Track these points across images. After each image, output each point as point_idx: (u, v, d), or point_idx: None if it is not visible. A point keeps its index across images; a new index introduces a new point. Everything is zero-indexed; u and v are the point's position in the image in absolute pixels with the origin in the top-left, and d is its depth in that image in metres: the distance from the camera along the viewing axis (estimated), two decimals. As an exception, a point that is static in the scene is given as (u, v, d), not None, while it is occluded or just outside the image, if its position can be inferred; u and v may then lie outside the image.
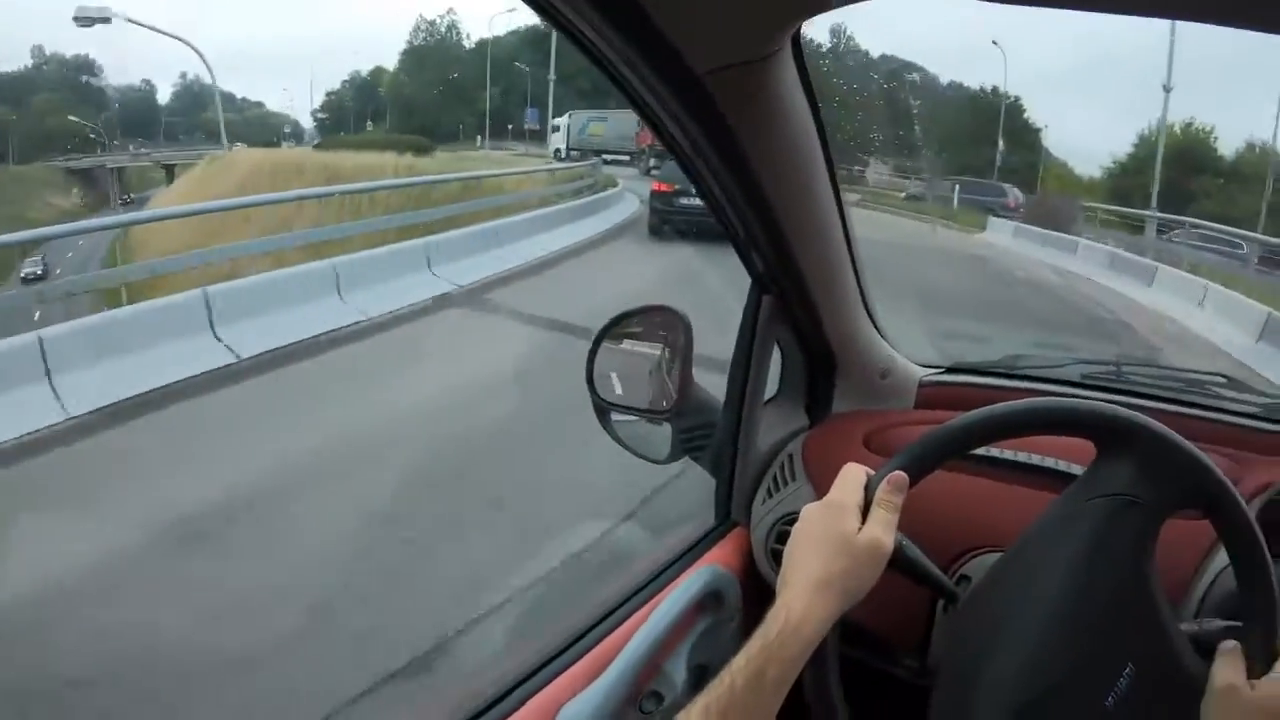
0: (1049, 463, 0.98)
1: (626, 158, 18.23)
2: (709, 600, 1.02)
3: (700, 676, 1.02)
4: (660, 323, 1.10)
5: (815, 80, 0.77)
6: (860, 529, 0.68)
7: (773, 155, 0.79)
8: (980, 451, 0.99)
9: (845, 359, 1.08)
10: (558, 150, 23.79)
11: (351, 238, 8.34)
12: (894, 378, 1.11)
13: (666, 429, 1.09)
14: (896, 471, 0.71)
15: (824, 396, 1.10)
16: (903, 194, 17.91)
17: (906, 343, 1.15)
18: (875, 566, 0.68)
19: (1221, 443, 1.08)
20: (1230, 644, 0.67)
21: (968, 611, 0.78)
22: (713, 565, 1.02)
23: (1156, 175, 17.11)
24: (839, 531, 0.68)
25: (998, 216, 14.92)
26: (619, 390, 1.12)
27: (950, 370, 1.17)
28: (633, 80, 0.69)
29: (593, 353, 1.11)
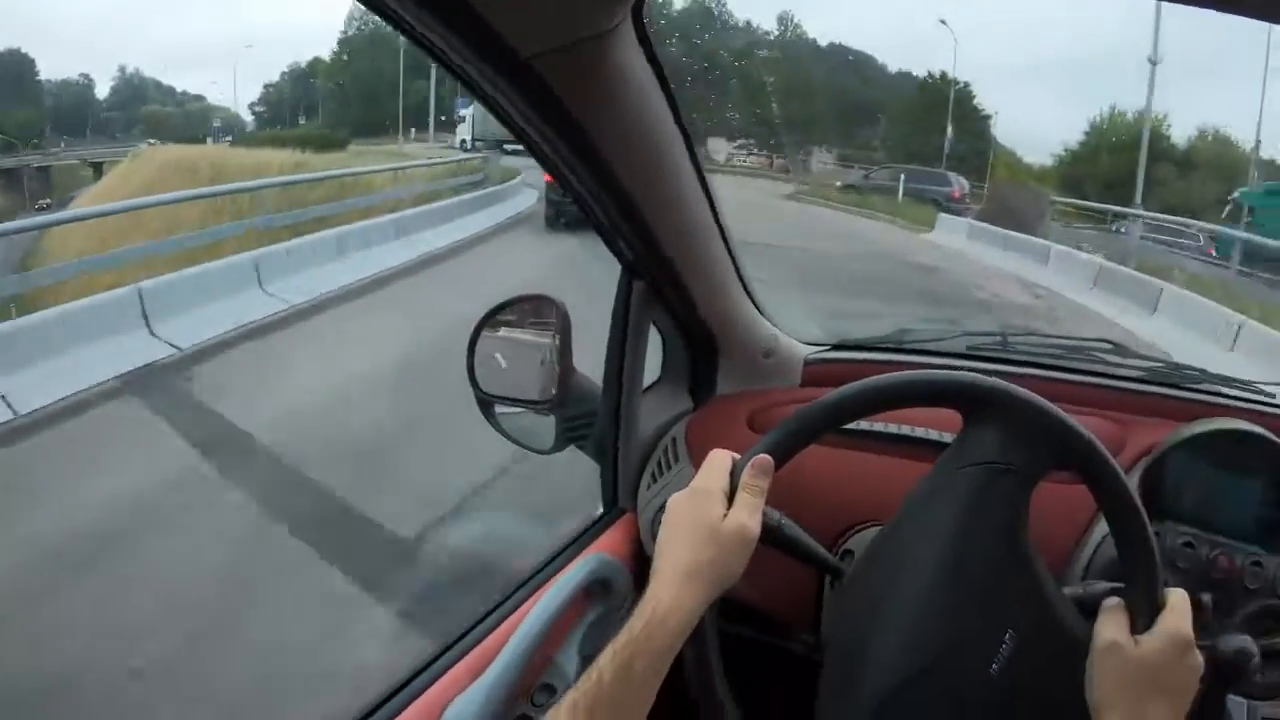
0: (929, 434, 1.01)
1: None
2: (597, 589, 1.02)
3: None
4: (539, 312, 1.09)
5: (664, 54, 0.74)
6: (726, 515, 0.68)
7: (623, 137, 0.77)
8: (862, 426, 1.02)
9: (726, 340, 1.08)
10: (464, 141, 22.85)
11: (193, 249, 7.70)
12: (778, 356, 1.12)
13: (550, 419, 1.08)
14: (760, 455, 0.70)
15: (707, 378, 1.11)
16: (838, 183, 17.68)
17: (792, 321, 1.16)
18: (743, 551, 0.68)
19: (1107, 407, 1.14)
20: (1113, 601, 0.68)
21: (851, 587, 0.79)
22: (600, 553, 1.02)
23: (1141, 163, 15.44)
24: (704, 519, 0.68)
25: (945, 211, 13.75)
26: (501, 382, 1.10)
27: (836, 347, 1.19)
28: (465, 67, 0.65)
29: (472, 345, 1.09)
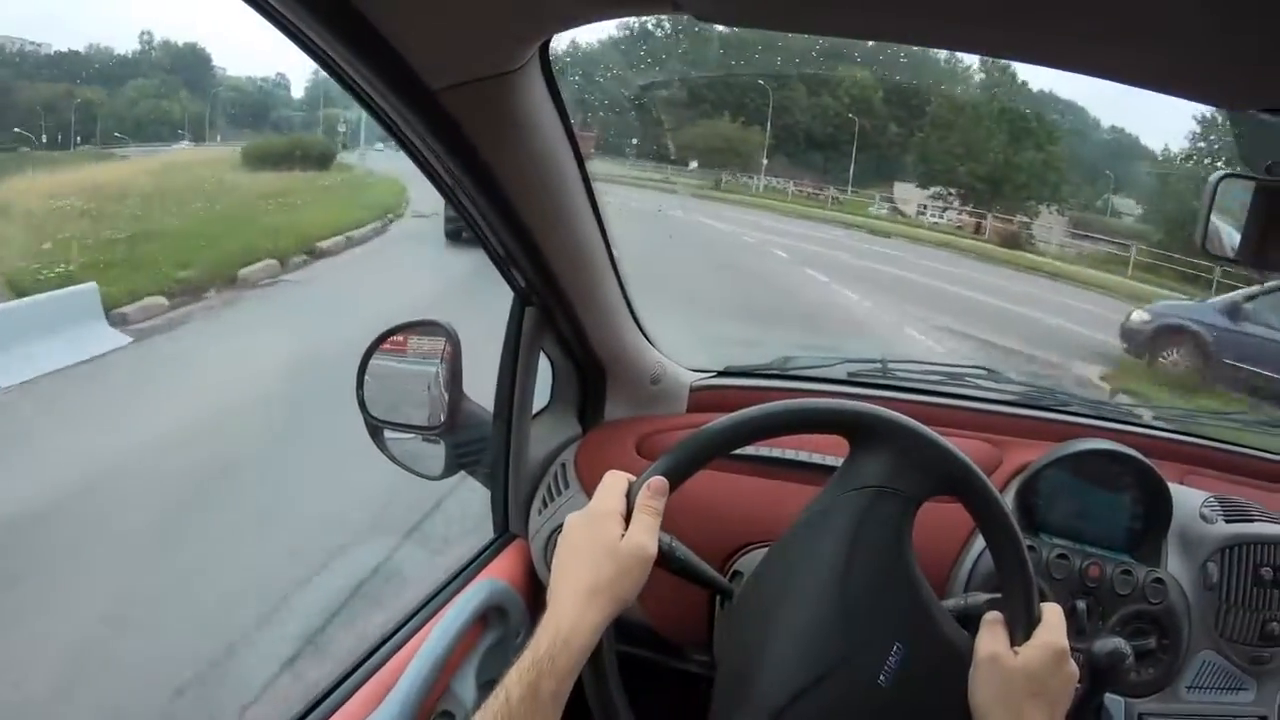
0: (815, 458, 1.05)
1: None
2: (492, 614, 1.01)
3: (490, 693, 1.01)
4: (429, 337, 1.08)
5: (566, 93, 0.77)
6: (623, 535, 0.69)
7: (522, 171, 0.78)
8: (750, 451, 1.05)
9: (615, 367, 1.10)
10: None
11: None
12: (665, 383, 1.14)
13: (440, 445, 1.07)
14: (656, 477, 0.72)
15: (596, 405, 1.12)
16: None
17: (680, 350, 1.19)
18: (641, 570, 0.69)
19: (984, 429, 1.20)
20: (992, 615, 0.71)
21: (740, 606, 0.80)
22: (493, 579, 1.01)
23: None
24: (602, 539, 0.69)
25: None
26: (390, 407, 1.09)
27: (722, 374, 1.23)
28: (374, 97, 0.66)
29: (362, 370, 1.07)
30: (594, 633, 0.66)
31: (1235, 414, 1.37)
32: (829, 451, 1.04)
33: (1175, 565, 1.04)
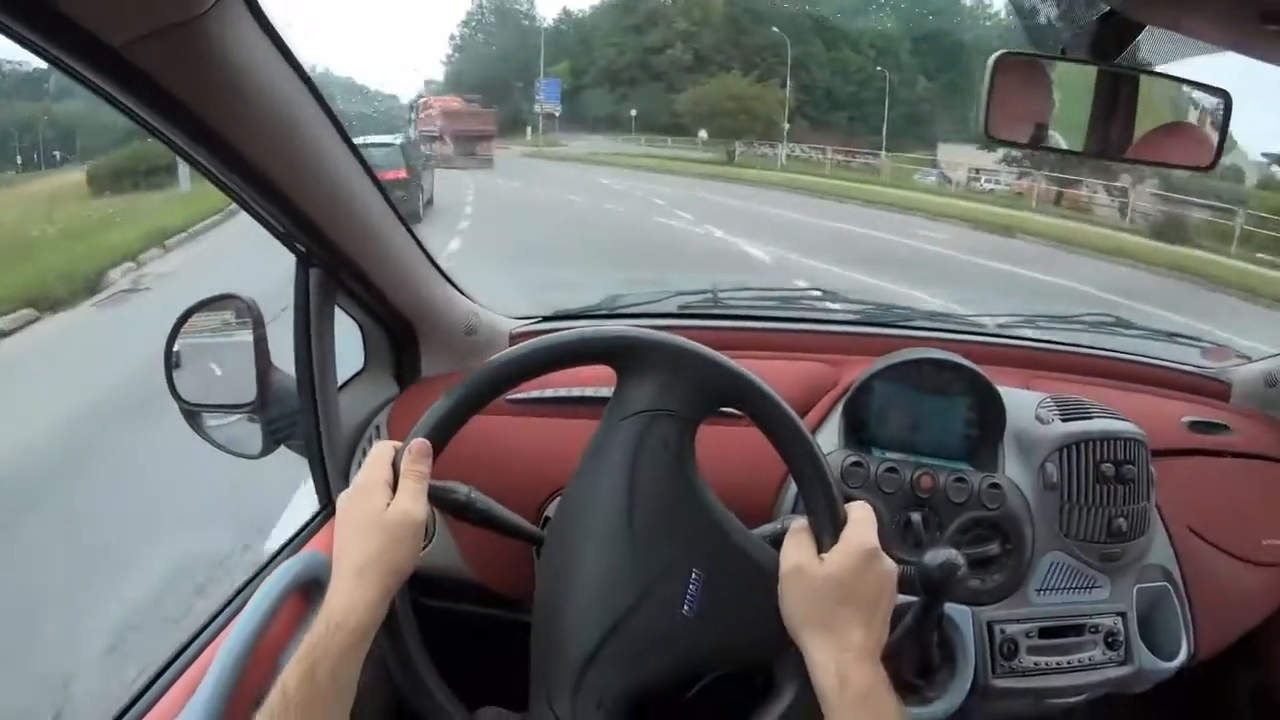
0: (601, 392, 1.02)
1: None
2: (315, 589, 0.98)
3: None
4: (232, 312, 1.04)
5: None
6: (389, 504, 0.66)
7: (250, 122, 0.72)
8: (548, 392, 1.02)
9: (423, 323, 1.06)
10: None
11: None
12: (482, 333, 1.10)
13: (256, 421, 1.04)
14: (416, 440, 0.69)
15: (411, 363, 1.08)
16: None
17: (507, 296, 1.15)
18: (412, 538, 0.66)
19: (821, 350, 1.17)
20: (797, 523, 0.70)
21: (545, 556, 0.77)
22: (311, 552, 0.98)
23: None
24: (367, 512, 0.66)
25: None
26: (202, 389, 1.05)
27: (546, 319, 1.19)
28: (63, 60, 0.59)
29: (168, 353, 1.03)
30: (372, 608, 0.63)
31: (1079, 316, 1.33)
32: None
33: (1014, 469, 1.02)
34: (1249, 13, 0.52)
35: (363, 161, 0.89)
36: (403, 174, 10.61)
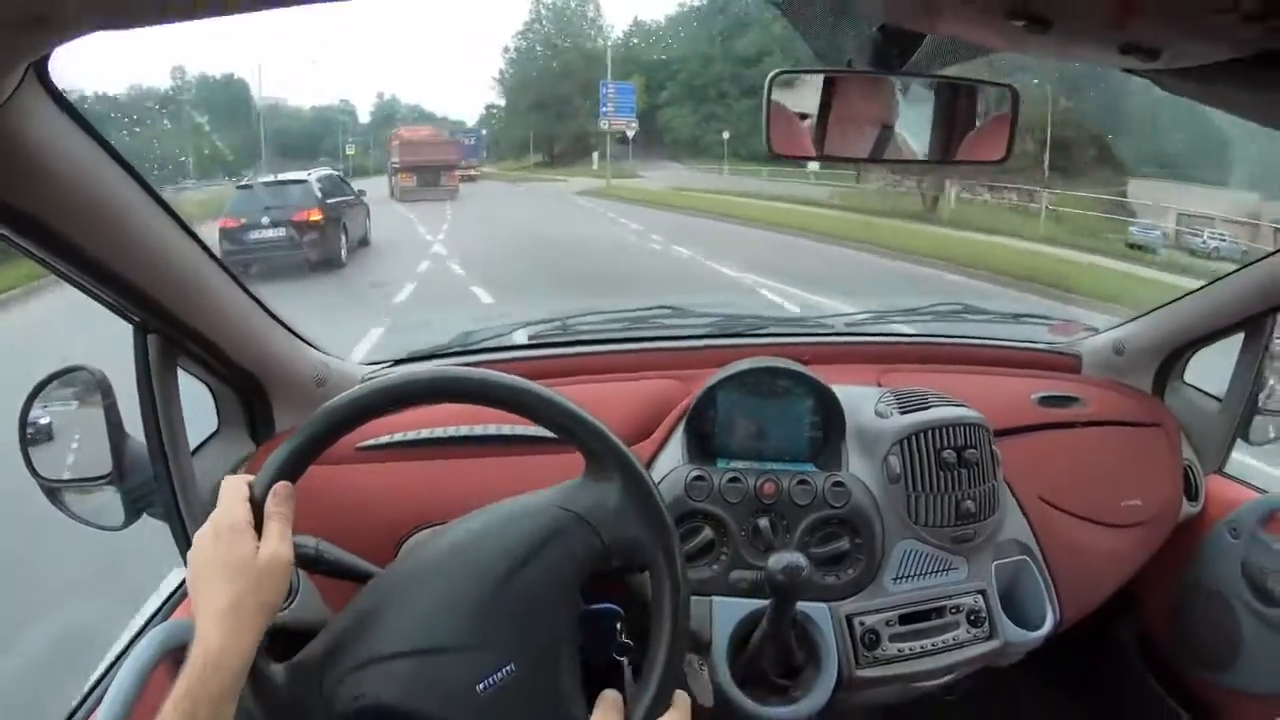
0: (460, 431, 1.05)
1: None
2: (184, 656, 0.97)
3: None
4: (82, 384, 1.04)
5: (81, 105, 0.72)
6: (258, 548, 0.67)
7: (65, 204, 0.72)
8: (394, 437, 1.04)
9: (270, 378, 1.06)
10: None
11: None
12: (333, 382, 1.10)
13: (115, 493, 1.03)
14: (281, 483, 0.70)
15: (264, 418, 1.08)
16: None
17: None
18: (283, 579, 0.67)
19: (673, 367, 1.20)
20: (611, 695, 0.70)
21: (394, 566, 0.79)
22: (179, 620, 0.97)
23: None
24: (237, 555, 0.66)
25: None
26: (61, 463, 1.04)
27: (398, 362, 1.20)
28: None
29: (22, 433, 1.02)
30: (247, 651, 0.64)
31: (926, 307, 1.39)
32: (468, 421, 1.05)
33: (857, 465, 1.05)
34: (993, 11, 0.56)
35: (182, 224, 0.89)
36: (314, 214, 9.52)
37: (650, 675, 0.71)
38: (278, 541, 0.68)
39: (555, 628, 0.71)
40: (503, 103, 41.59)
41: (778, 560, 0.85)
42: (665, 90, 35.39)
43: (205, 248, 0.92)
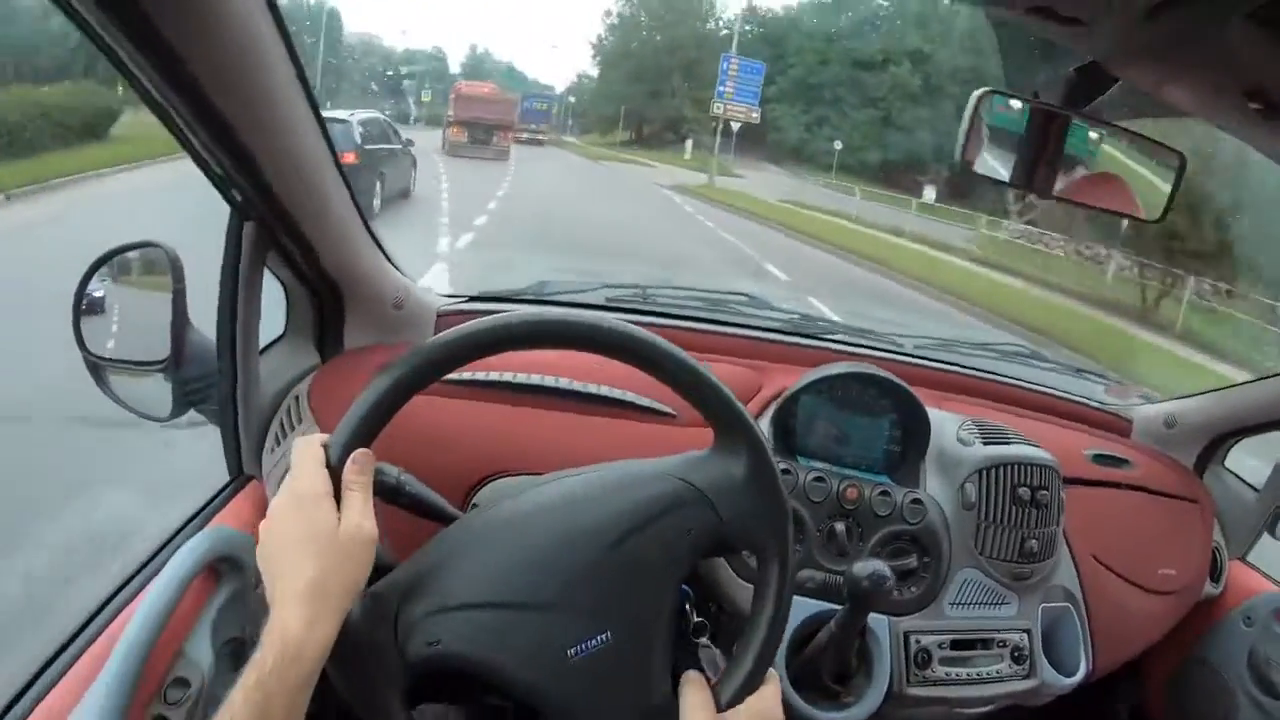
0: (546, 381, 1.01)
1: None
2: (224, 566, 0.92)
3: (236, 653, 0.91)
4: (149, 262, 0.98)
5: None
6: (339, 519, 0.61)
7: (222, 63, 0.68)
8: (477, 375, 1.00)
9: (352, 291, 1.02)
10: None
11: None
12: (409, 308, 1.07)
13: (167, 382, 0.97)
14: (360, 451, 0.63)
15: (335, 332, 1.04)
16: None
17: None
18: (367, 555, 0.61)
19: (745, 355, 1.18)
20: (694, 674, 0.67)
21: (461, 522, 0.72)
22: (222, 526, 0.92)
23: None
24: (317, 529, 0.60)
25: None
26: (112, 342, 0.98)
27: (473, 299, 1.16)
28: None
29: (78, 301, 0.96)
30: (329, 636, 0.58)
31: (994, 345, 1.40)
32: (560, 373, 1.01)
33: (934, 486, 1.05)
34: (1233, 87, 0.55)
35: (319, 116, 0.84)
36: (348, 157, 8.33)
37: (744, 655, 0.68)
38: (359, 514, 0.61)
39: (659, 602, 0.67)
40: (595, 73, 39.15)
41: (864, 567, 0.83)
42: (775, 84, 29.42)
43: (331, 145, 0.88)
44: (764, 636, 0.68)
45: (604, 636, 0.64)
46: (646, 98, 32.95)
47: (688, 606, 0.74)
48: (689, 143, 28.61)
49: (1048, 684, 1.07)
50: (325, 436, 0.65)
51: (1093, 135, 0.87)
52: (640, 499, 0.68)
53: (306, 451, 0.64)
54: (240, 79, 0.72)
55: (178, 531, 0.95)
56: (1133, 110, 0.85)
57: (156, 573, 0.87)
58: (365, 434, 0.64)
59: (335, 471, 0.62)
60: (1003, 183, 0.88)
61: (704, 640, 0.74)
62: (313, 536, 0.60)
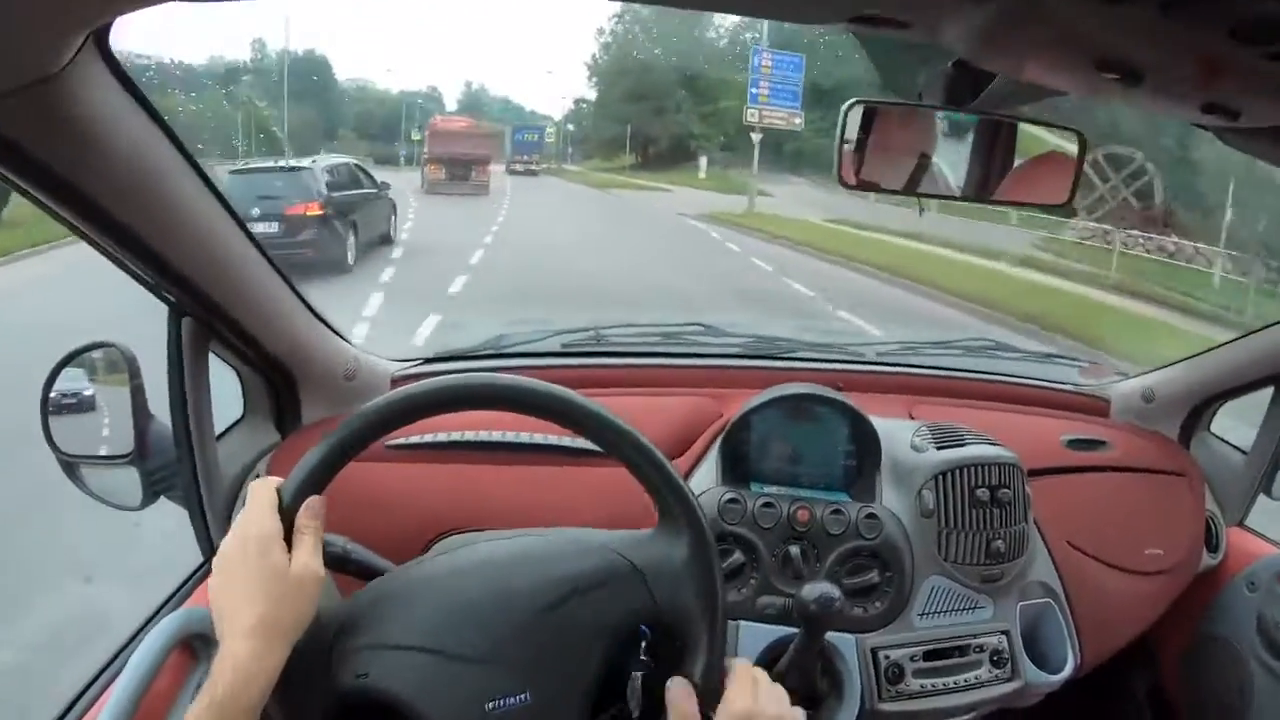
0: (492, 436, 1.03)
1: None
2: (198, 644, 0.96)
3: None
4: (107, 361, 1.02)
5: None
6: (290, 560, 0.64)
7: (112, 176, 0.70)
8: (425, 438, 1.02)
9: (301, 368, 1.04)
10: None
11: None
12: (362, 378, 1.09)
13: (135, 472, 1.01)
14: (314, 497, 0.67)
15: (291, 409, 1.06)
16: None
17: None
18: (315, 589, 0.65)
19: (704, 385, 1.19)
20: (678, 682, 0.68)
21: (409, 569, 0.75)
22: (193, 607, 0.95)
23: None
24: (268, 568, 0.64)
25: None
26: (81, 439, 1.02)
27: (429, 360, 1.19)
28: None
29: (44, 403, 1.00)
30: (275, 668, 0.61)
31: (957, 341, 1.38)
32: (503, 427, 1.03)
33: (890, 498, 1.04)
34: (1085, 61, 0.55)
35: (228, 207, 0.87)
36: (311, 208, 8.11)
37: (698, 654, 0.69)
38: (310, 555, 0.65)
39: (583, 670, 0.68)
40: (594, 96, 37.30)
41: (811, 590, 0.83)
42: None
43: (249, 233, 0.91)
44: (710, 622, 0.69)
45: (523, 696, 0.65)
46: (650, 116, 30.96)
47: (644, 643, 0.75)
48: (703, 161, 26.77)
49: (1032, 684, 1.06)
50: (279, 480, 0.69)
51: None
52: (579, 569, 0.70)
53: (260, 494, 0.68)
54: (151, 201, 0.75)
55: (154, 615, 0.98)
56: (1025, 95, 0.84)
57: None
58: (316, 482, 0.68)
59: (287, 514, 0.66)
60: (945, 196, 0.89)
61: (637, 675, 0.74)
62: (264, 575, 0.63)
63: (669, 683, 0.68)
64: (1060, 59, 0.59)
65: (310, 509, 0.67)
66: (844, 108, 0.82)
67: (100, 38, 0.63)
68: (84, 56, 0.61)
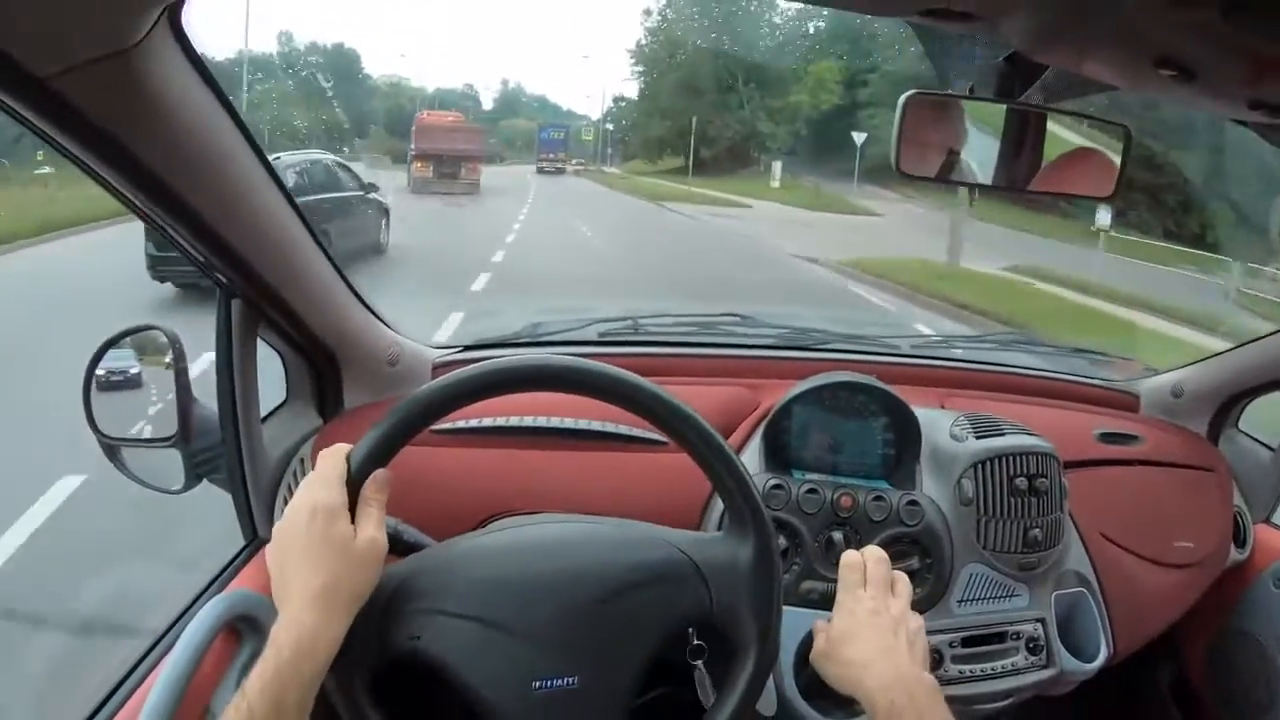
0: (539, 422, 1.04)
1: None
2: (244, 626, 0.96)
3: None
4: (151, 344, 1.03)
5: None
6: (355, 531, 0.65)
7: (176, 154, 0.71)
8: (471, 423, 1.03)
9: (345, 353, 1.05)
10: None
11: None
12: (405, 363, 1.10)
13: (177, 455, 1.02)
14: (380, 471, 0.68)
15: (334, 394, 1.07)
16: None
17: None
18: (376, 564, 0.66)
19: (740, 375, 1.20)
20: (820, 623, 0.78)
21: (469, 539, 0.76)
22: (240, 589, 0.96)
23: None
24: (333, 538, 0.64)
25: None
26: (123, 422, 1.03)
27: (468, 348, 1.19)
28: None
29: (87, 386, 1.01)
30: (336, 638, 0.62)
31: (989, 335, 1.40)
32: (553, 413, 1.04)
33: (930, 486, 1.05)
34: (1144, 58, 0.56)
35: (285, 191, 0.88)
36: None
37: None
38: (376, 529, 0.66)
39: (631, 662, 0.69)
40: (634, 94, 32.99)
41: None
42: (867, 86, 23.54)
43: (302, 217, 0.92)
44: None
45: (571, 680, 0.66)
46: (708, 111, 26.71)
47: (690, 629, 0.76)
48: (777, 166, 21.91)
49: (1068, 671, 1.06)
50: (349, 447, 0.69)
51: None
52: (642, 560, 0.71)
53: (330, 462, 0.69)
54: (211, 181, 0.76)
55: (198, 598, 0.99)
56: (1076, 89, 0.85)
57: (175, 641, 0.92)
58: (382, 454, 0.69)
59: (354, 485, 0.67)
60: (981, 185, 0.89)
61: (699, 664, 0.75)
62: (330, 545, 0.64)
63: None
64: (1120, 55, 0.61)
65: (376, 482, 0.68)
66: (902, 100, 0.83)
67: (173, 15, 0.64)
68: (158, 32, 0.62)
